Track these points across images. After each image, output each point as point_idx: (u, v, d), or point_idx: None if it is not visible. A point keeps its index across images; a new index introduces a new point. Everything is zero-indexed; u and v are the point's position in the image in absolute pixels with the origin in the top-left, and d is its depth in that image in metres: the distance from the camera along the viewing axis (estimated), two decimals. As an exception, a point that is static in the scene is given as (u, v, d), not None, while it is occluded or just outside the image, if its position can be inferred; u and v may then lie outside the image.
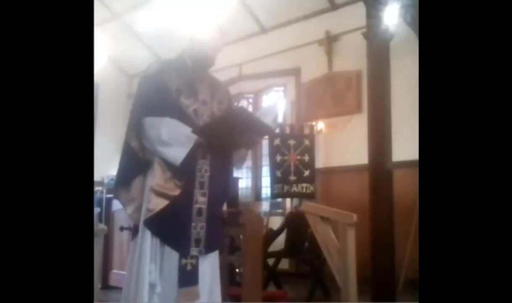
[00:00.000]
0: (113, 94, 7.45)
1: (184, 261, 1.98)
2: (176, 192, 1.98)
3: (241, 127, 2.04)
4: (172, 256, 1.98)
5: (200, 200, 2.05)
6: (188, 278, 1.98)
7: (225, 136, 2.04)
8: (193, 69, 2.18)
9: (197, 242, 2.02)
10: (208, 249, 2.07)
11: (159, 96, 2.04)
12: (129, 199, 2.11)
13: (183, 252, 1.99)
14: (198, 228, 2.03)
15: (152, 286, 1.95)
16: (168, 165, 2.00)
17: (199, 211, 2.04)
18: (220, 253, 2.22)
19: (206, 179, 2.07)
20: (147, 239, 1.97)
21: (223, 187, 2.20)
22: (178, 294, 1.96)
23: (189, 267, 1.99)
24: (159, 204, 1.97)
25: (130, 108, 2.14)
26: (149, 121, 2.00)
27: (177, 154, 1.97)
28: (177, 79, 2.10)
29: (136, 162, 2.09)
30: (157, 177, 2.00)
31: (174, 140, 1.97)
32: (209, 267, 2.09)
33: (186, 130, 2.00)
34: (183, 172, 2.00)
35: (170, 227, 1.99)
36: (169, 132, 1.98)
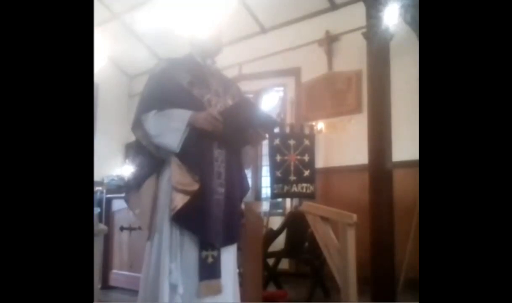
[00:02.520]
0: (113, 94, 7.45)
1: (204, 253, 1.95)
2: (195, 187, 1.95)
3: (247, 118, 2.04)
4: (192, 251, 1.95)
5: (219, 191, 2.02)
6: (209, 271, 1.95)
7: (232, 127, 2.02)
8: (204, 63, 2.21)
9: (217, 233, 1.99)
10: (227, 241, 2.04)
11: (168, 91, 2.03)
12: (138, 199, 2.09)
13: (207, 243, 1.96)
14: (218, 219, 2.00)
15: (173, 286, 1.90)
16: (183, 158, 1.97)
17: (218, 202, 2.01)
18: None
19: (222, 169, 2.05)
20: (166, 239, 1.94)
21: (239, 177, 2.18)
22: (199, 288, 1.92)
23: (210, 260, 1.96)
24: (180, 200, 1.93)
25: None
26: (143, 118, 2.01)
27: (171, 140, 1.96)
28: (188, 73, 2.11)
29: (150, 160, 2.08)
30: (175, 175, 1.97)
31: (165, 128, 1.97)
32: (231, 261, 2.07)
33: (177, 114, 1.99)
34: (200, 163, 1.99)
35: (194, 220, 1.95)
36: (158, 123, 1.98)
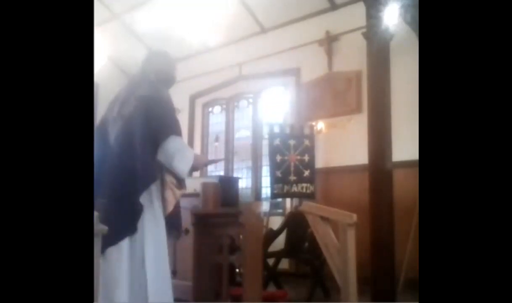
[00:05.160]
0: (113, 94, 7.44)
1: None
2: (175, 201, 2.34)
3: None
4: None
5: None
6: None
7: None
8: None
9: None
10: None
11: (173, 115, 2.37)
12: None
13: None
14: None
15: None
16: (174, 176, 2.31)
17: None
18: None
19: None
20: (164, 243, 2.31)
21: None
22: None
23: None
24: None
25: (145, 123, 2.26)
26: (173, 139, 2.25)
27: (185, 167, 2.29)
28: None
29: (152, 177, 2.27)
30: (168, 189, 2.30)
31: (182, 156, 2.27)
32: None
33: (189, 147, 2.48)
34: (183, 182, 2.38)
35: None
36: (181, 150, 2.28)
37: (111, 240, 2.04)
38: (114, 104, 2.43)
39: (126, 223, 2.16)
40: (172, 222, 2.34)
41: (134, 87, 2.42)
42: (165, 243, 2.29)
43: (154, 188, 2.26)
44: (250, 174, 6.40)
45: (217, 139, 6.67)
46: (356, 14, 4.56)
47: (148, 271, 2.16)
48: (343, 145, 5.28)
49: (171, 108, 2.37)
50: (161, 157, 2.24)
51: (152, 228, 2.23)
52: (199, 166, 2.56)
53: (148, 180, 2.23)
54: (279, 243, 4.51)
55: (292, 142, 5.02)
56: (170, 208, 2.29)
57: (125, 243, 2.16)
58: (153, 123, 2.24)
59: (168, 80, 2.50)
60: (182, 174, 2.30)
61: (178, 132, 2.31)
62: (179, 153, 2.25)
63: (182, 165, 2.26)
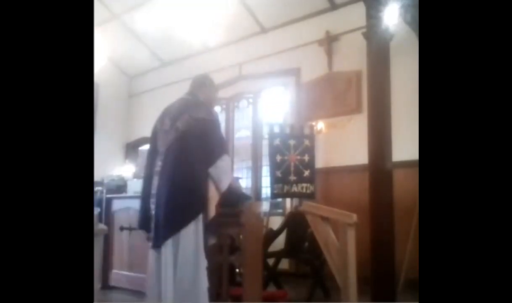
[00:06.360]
0: (113, 94, 7.44)
1: None
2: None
3: None
4: None
5: None
6: None
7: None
8: None
9: None
10: None
11: (223, 136, 2.73)
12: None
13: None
14: None
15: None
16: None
17: None
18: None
19: None
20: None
21: None
22: None
23: None
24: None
25: (202, 141, 2.56)
26: (225, 157, 2.59)
27: (228, 182, 2.62)
28: None
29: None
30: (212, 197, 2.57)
31: (228, 173, 2.63)
32: None
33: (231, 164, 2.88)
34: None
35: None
36: (228, 167, 2.64)
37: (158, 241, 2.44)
38: (164, 118, 2.68)
39: (171, 229, 2.43)
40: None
41: (187, 106, 2.69)
42: (202, 247, 2.46)
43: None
44: (250, 174, 6.40)
45: (217, 139, 6.67)
46: (356, 14, 4.56)
47: (179, 271, 2.38)
48: (343, 145, 5.28)
49: (221, 130, 2.75)
50: (212, 171, 2.54)
51: (193, 230, 2.44)
52: (232, 183, 2.89)
53: (200, 208, 2.49)
54: (279, 243, 4.51)
55: (292, 142, 5.02)
56: (212, 211, 2.54)
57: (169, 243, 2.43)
58: (210, 142, 2.58)
59: (212, 102, 2.98)
60: (225, 187, 2.63)
61: (228, 152, 2.69)
62: (227, 170, 2.64)
63: (226, 179, 2.62)
